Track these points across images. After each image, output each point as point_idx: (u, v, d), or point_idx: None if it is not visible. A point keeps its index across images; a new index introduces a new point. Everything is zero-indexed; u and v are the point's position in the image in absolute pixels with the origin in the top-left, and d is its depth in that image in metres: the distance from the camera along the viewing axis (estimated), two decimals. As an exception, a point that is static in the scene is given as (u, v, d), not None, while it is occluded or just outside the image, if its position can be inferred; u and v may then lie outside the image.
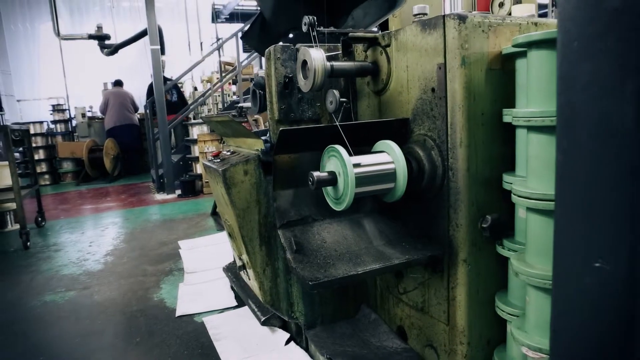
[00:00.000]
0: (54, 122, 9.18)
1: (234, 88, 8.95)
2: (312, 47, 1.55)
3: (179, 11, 13.17)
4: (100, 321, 2.43)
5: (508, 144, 1.40)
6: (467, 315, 1.45)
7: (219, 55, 7.77)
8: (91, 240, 4.15)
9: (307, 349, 1.92)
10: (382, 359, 1.71)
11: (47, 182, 8.46)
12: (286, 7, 2.44)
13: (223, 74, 7.84)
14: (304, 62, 1.55)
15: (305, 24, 1.54)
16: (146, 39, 8.63)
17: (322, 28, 1.56)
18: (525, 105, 1.21)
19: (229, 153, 1.93)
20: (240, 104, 3.95)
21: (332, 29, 1.58)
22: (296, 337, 2.00)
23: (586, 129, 0.61)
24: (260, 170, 1.73)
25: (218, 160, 1.85)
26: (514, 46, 1.23)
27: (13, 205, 4.66)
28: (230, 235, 2.07)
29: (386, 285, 1.82)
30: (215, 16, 13.65)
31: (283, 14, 2.44)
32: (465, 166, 1.36)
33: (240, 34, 7.18)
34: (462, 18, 1.32)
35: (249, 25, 2.60)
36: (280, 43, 1.72)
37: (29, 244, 3.94)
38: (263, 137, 2.19)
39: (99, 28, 9.38)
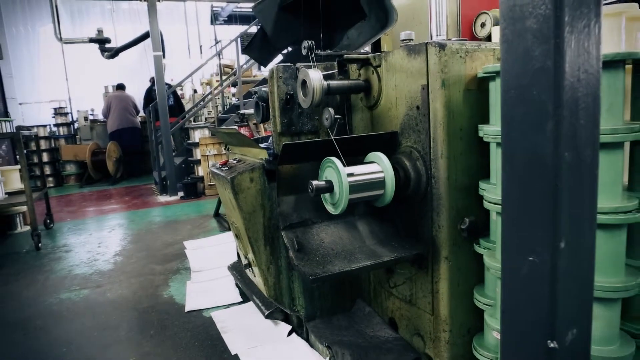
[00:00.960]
0: (57, 125, 9.34)
1: (233, 90, 9.12)
2: (310, 67, 1.74)
3: (178, 13, 13.30)
4: (115, 316, 2.62)
5: (484, 155, 1.59)
6: (449, 306, 1.64)
7: (219, 59, 7.93)
8: (99, 241, 4.33)
9: (307, 339, 2.11)
10: (376, 347, 1.90)
11: (51, 185, 8.62)
12: (286, 24, 2.62)
13: (223, 77, 8.03)
14: (304, 82, 1.74)
15: (304, 48, 1.73)
16: (147, 42, 8.81)
17: (319, 51, 1.74)
18: (495, 124, 1.40)
19: (235, 161, 2.11)
20: (242, 111, 4.14)
21: (328, 51, 1.77)
22: (297, 329, 2.19)
23: (521, 156, 0.80)
24: (264, 177, 1.92)
25: (226, 168, 2.03)
26: (484, 73, 1.42)
27: (22, 208, 4.85)
28: (237, 236, 2.26)
29: (378, 281, 2.02)
30: (214, 18, 13.82)
31: (283, 30, 2.63)
32: (446, 175, 1.55)
33: (239, 39, 7.36)
34: (442, 46, 1.51)
35: (250, 39, 2.78)
36: (282, 63, 1.90)
37: (40, 245, 4.12)
38: (264, 144, 2.38)
39: (100, 32, 9.56)
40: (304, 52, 1.73)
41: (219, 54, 7.67)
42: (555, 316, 0.79)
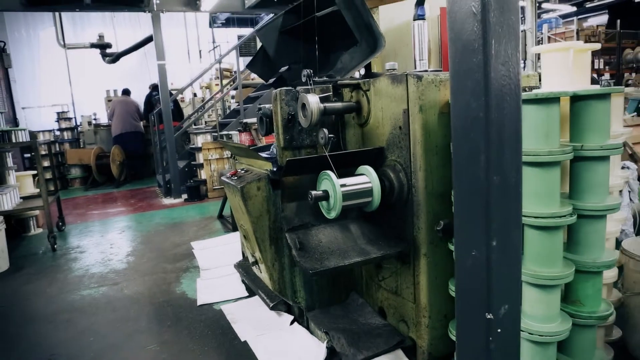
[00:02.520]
0: (60, 129, 9.59)
1: (232, 92, 9.37)
2: (309, 92, 2.03)
3: (177, 17, 13.51)
4: (134, 310, 2.90)
5: (456, 168, 1.88)
6: (428, 295, 1.93)
7: (219, 64, 8.19)
8: (111, 242, 4.61)
9: (307, 327, 2.40)
10: (367, 333, 2.20)
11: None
12: (286, 46, 2.92)
13: (222, 82, 8.30)
14: (303, 105, 2.03)
15: (304, 76, 2.02)
16: (147, 46, 9.08)
17: (317, 78, 2.04)
18: (462, 143, 1.69)
19: (243, 171, 2.40)
20: (244, 120, 4.43)
21: (324, 78, 2.06)
22: (299, 319, 2.48)
23: (465, 181, 1.09)
24: (269, 186, 2.21)
25: (235, 178, 2.32)
26: (453, 102, 1.71)
27: (35, 212, 5.12)
28: (245, 237, 2.55)
29: (369, 275, 2.31)
30: (212, 21, 14.08)
31: (284, 51, 2.92)
32: (424, 185, 1.85)
33: (239, 48, 7.63)
34: (419, 77, 1.80)
35: (253, 56, 3.08)
36: (285, 87, 2.19)
37: (56, 246, 4.40)
38: (267, 153, 2.67)
39: (101, 37, 9.82)
40: (303, 79, 2.02)
41: (219, 61, 7.93)
42: (491, 295, 1.08)
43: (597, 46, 1.93)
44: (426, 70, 1.94)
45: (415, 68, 2.26)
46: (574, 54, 1.74)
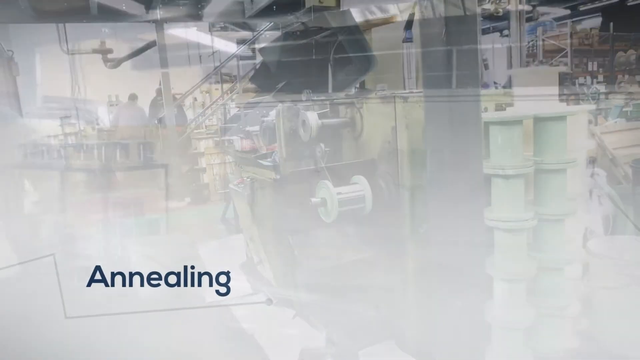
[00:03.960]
0: (64, 134, 9.79)
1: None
2: (308, 110, 2.29)
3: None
4: (147, 307, 3.13)
5: (438, 177, 2.13)
6: (416, 291, 2.18)
7: (220, 71, 8.42)
8: (118, 244, 4.84)
9: (308, 321, 2.64)
10: (363, 325, 2.44)
11: (62, 191, 9.08)
12: (287, 63, 3.16)
13: (222, 85, 8.52)
14: (303, 121, 2.28)
15: (304, 95, 2.27)
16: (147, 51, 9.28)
17: (315, 97, 2.29)
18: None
19: (249, 179, 2.65)
20: (247, 128, 4.67)
21: (322, 97, 2.31)
22: (300, 313, 2.72)
23: (436, 192, 1.34)
24: (273, 193, 2.46)
25: (242, 185, 2.57)
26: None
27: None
28: (251, 238, 2.79)
29: (364, 273, 2.56)
30: (211, 24, 14.25)
31: (285, 67, 3.16)
32: (410, 192, 2.10)
33: (239, 46, 7.87)
34: (405, 98, 2.05)
35: (255, 70, 3.32)
36: (287, 104, 2.44)
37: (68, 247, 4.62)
38: (269, 160, 2.91)
39: (103, 42, 10.02)
40: (304, 98, 2.27)
41: (220, 67, 8.17)
42: (459, 286, 1.33)
43: (563, 68, 2.18)
44: (412, 91, 2.19)
45: (404, 85, 2.51)
46: (543, 74, 1.99)
